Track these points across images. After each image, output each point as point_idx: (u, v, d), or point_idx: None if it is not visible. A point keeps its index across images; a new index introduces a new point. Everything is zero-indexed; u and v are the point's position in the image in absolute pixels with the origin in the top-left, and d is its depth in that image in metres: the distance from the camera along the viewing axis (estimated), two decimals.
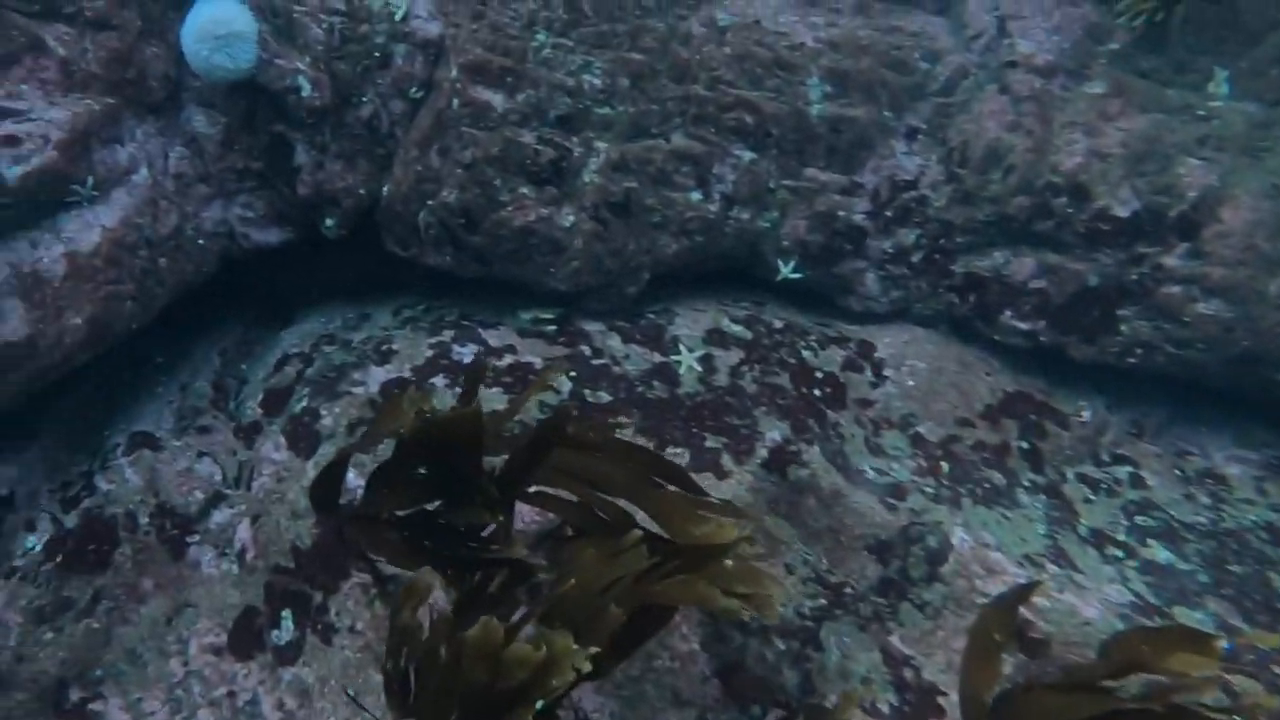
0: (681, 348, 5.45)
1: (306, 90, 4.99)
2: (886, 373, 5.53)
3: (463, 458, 3.45)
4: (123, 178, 4.81)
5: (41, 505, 4.84)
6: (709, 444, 4.66)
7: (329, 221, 5.33)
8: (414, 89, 5.23)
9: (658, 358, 5.39)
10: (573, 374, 5.13)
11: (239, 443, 5.16)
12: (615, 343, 5.46)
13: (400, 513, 3.89)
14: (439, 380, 4.98)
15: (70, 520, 4.71)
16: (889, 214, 5.93)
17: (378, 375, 5.04)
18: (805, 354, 5.65)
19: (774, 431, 4.79)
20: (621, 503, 3.69)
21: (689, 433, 4.84)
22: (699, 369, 5.34)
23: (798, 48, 5.76)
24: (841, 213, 5.83)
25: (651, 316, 5.73)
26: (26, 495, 4.86)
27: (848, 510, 4.58)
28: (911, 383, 5.19)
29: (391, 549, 3.75)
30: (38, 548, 4.64)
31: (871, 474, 4.82)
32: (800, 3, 6.02)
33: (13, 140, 4.36)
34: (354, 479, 4.28)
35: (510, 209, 5.19)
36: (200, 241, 5.16)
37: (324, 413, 4.60)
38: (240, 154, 5.19)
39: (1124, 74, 5.62)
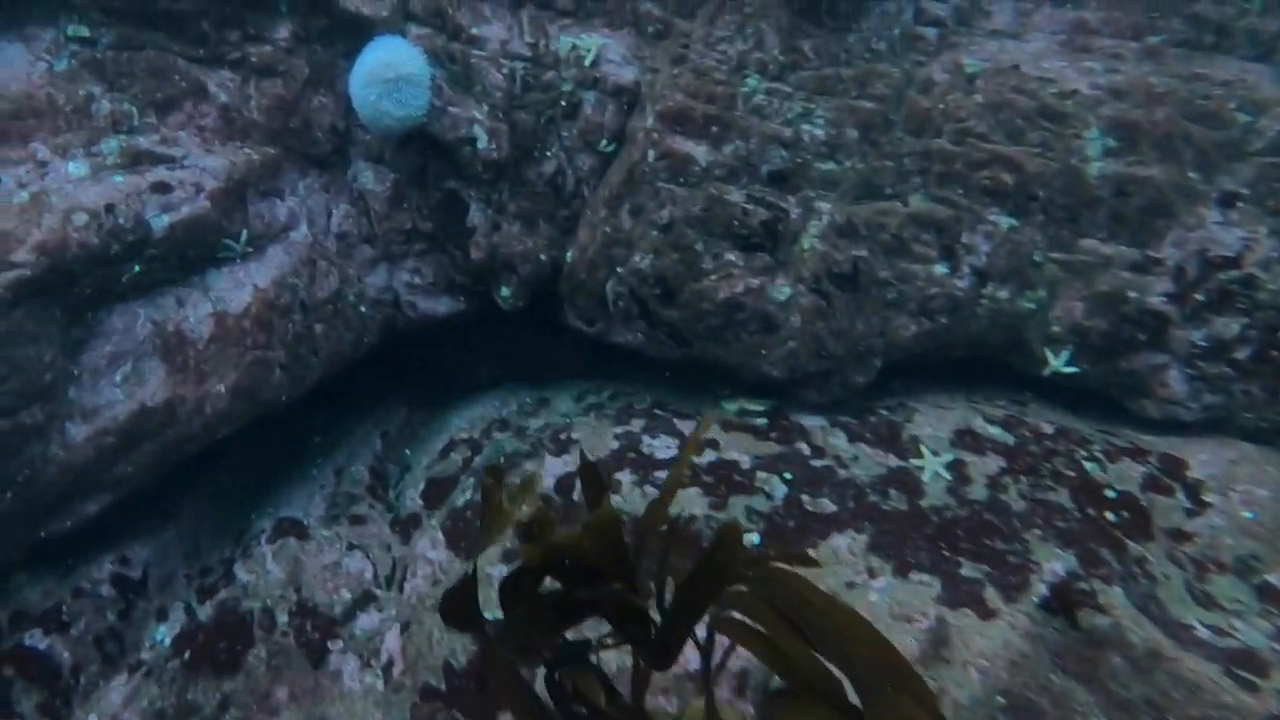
0: (924, 450, 4.36)
1: (483, 142, 4.37)
2: (1208, 498, 4.24)
3: (602, 580, 2.51)
4: (280, 234, 4.30)
5: (177, 592, 4.29)
6: (966, 572, 3.59)
7: (504, 290, 4.64)
8: (604, 141, 4.53)
9: (894, 461, 4.33)
10: (788, 475, 4.15)
11: (394, 536, 4.45)
12: (840, 441, 4.44)
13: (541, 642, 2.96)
14: (625, 476, 4.12)
15: (204, 611, 4.12)
16: (1200, 297, 4.67)
17: (554, 468, 4.24)
18: (1089, 467, 4.42)
19: (1055, 562, 3.69)
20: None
21: (937, 555, 3.74)
22: (948, 477, 4.23)
23: (1069, 95, 4.71)
24: (1132, 294, 4.62)
25: (885, 413, 4.68)
26: (161, 580, 4.31)
27: (1176, 680, 3.30)
28: (1249, 515, 3.95)
29: (522, 708, 2.79)
30: (167, 641, 4.08)
31: (1205, 632, 3.52)
32: (1068, 48, 4.98)
33: (163, 188, 3.90)
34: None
35: (714, 278, 4.33)
36: (362, 309, 4.57)
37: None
38: (409, 213, 4.61)
39: None
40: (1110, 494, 4.28)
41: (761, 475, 4.17)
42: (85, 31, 4.06)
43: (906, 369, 4.76)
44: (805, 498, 4.03)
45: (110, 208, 3.76)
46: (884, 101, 4.57)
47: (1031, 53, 4.89)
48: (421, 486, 4.54)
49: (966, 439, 4.49)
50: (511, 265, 4.58)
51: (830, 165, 4.47)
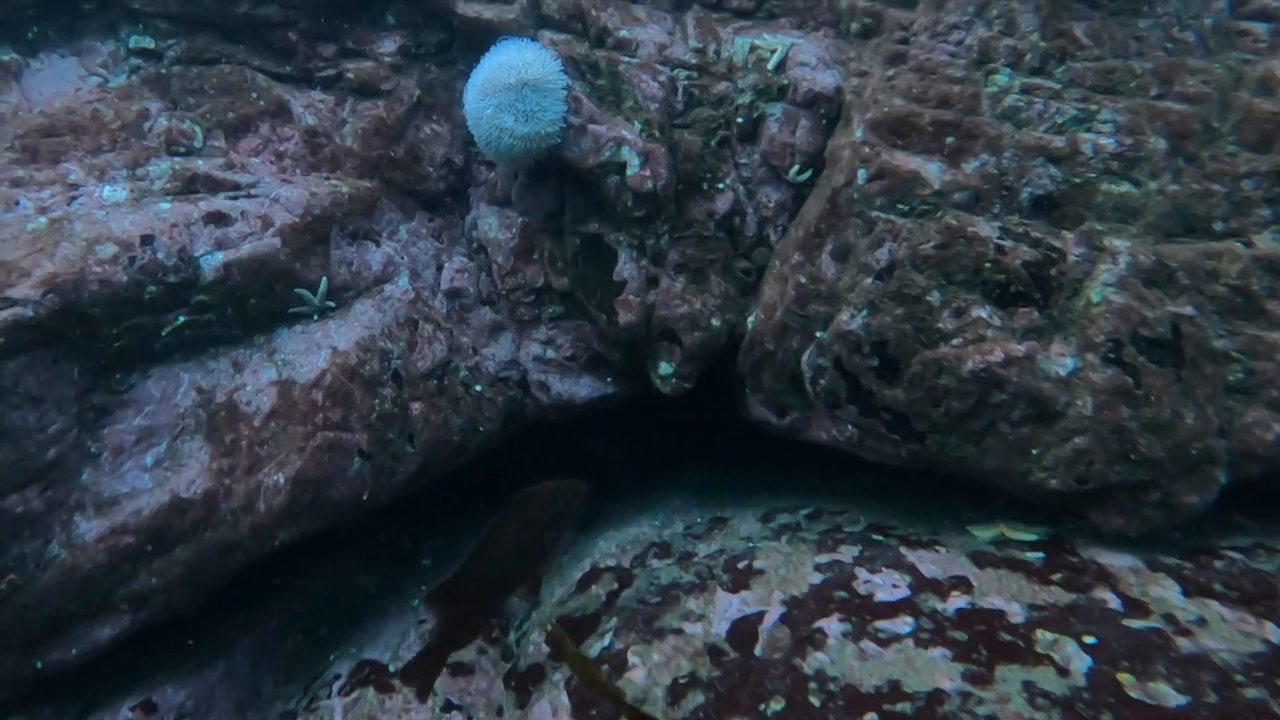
0: None
1: (634, 168, 3.31)
2: None
3: None
4: (372, 287, 3.35)
5: None
6: None
7: (664, 367, 3.47)
8: (795, 168, 3.38)
9: (1274, 633, 2.75)
10: (1090, 638, 2.67)
11: (508, 694, 3.25)
12: (1170, 593, 2.92)
13: None
14: (832, 625, 2.78)
15: None
16: None
17: (727, 607, 2.99)
18: None
19: None
20: None
21: None
22: None
23: None
24: None
25: (1236, 555, 3.11)
26: None
27: None
28: None
29: None
30: None
31: None
32: None
33: (221, 219, 3.04)
34: None
35: (956, 343, 3.01)
36: (477, 388, 3.51)
37: (634, 659, 2.64)
38: (540, 266, 3.57)
39: None
40: None
41: (1044, 636, 2.73)
42: (150, 43, 3.35)
43: (1261, 497, 3.18)
44: (1126, 679, 2.52)
45: (148, 239, 2.91)
46: (1202, 104, 3.19)
47: None
48: (551, 628, 3.31)
49: None
50: (673, 333, 3.42)
51: (1125, 187, 3.10)
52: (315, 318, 3.22)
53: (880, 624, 2.82)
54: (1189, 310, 2.98)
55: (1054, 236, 3.07)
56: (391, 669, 3.39)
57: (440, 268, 3.55)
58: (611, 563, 3.61)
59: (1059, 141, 3.10)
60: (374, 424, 3.18)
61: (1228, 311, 3.02)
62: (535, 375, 3.60)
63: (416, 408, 3.30)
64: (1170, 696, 2.49)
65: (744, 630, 2.93)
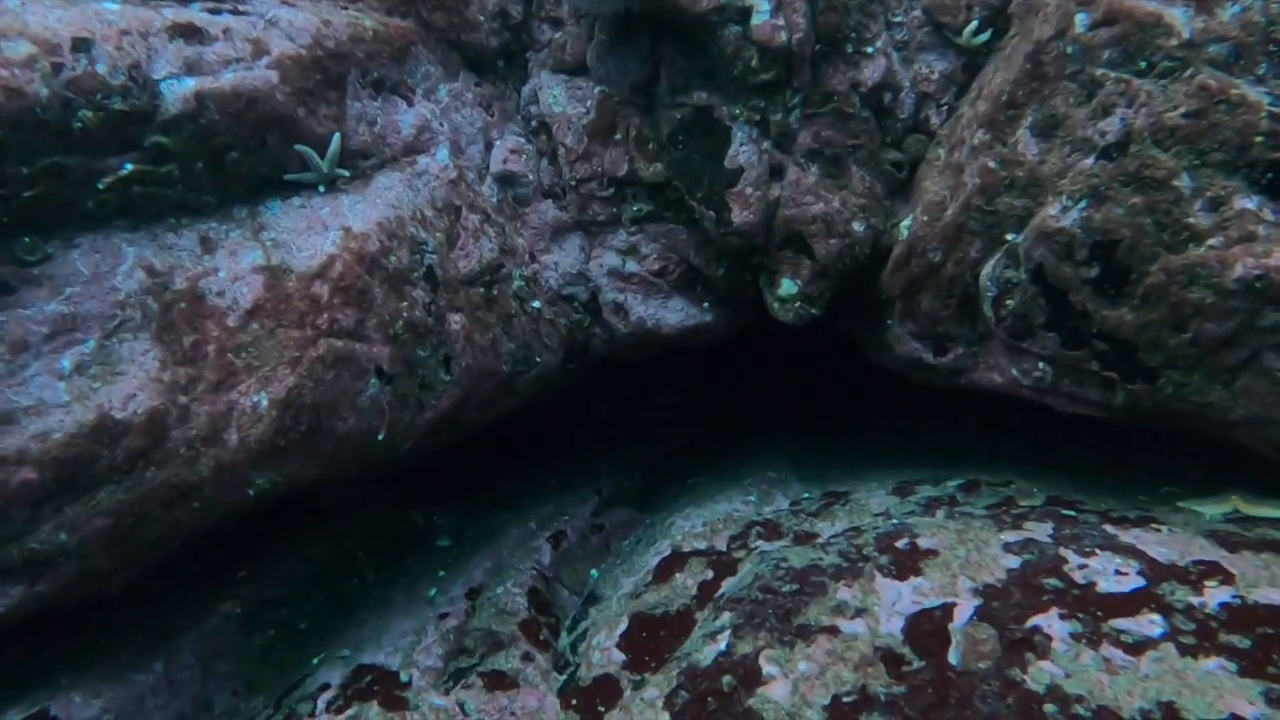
0: None
1: (763, 13, 2.45)
2: None
3: None
4: (401, 156, 2.47)
5: None
6: None
7: (786, 287, 2.60)
8: (971, 26, 2.56)
9: None
10: None
11: (566, 716, 2.32)
12: None
13: None
14: (1053, 623, 1.92)
15: None
16: None
17: (896, 598, 2.16)
18: None
19: None
20: None
21: None
22: None
23: None
24: None
25: None
26: None
27: None
28: None
29: None
30: None
31: None
32: None
33: (194, 34, 2.14)
34: None
35: (1215, 244, 2.18)
36: (535, 305, 2.63)
37: (771, 668, 1.90)
38: (622, 149, 2.70)
39: None
40: None
41: None
42: None
43: None
44: None
45: (84, 44, 1.99)
46: None
47: None
48: (622, 627, 2.40)
49: None
50: (802, 239, 2.56)
51: None
52: (321, 189, 2.32)
53: (1119, 623, 1.97)
54: None
55: None
56: (404, 677, 2.45)
57: (490, 145, 2.67)
58: (700, 545, 2.71)
59: None
60: (399, 335, 2.26)
61: None
62: (610, 294, 2.71)
63: (456, 321, 2.40)
64: None
65: (927, 629, 2.07)
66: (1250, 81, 2.28)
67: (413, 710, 2.34)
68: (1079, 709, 1.82)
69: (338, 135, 2.33)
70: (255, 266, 2.15)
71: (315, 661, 2.56)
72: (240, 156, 2.21)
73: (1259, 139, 2.21)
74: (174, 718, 2.35)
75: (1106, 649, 1.89)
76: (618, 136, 2.70)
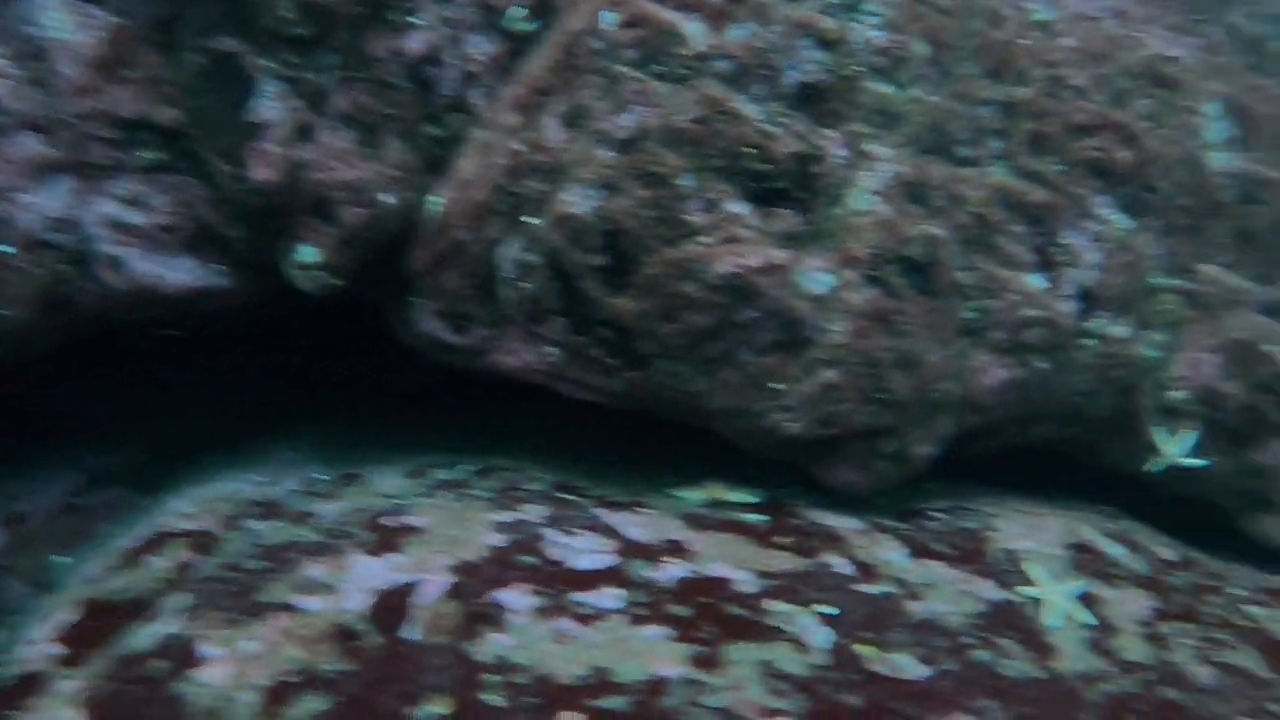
0: (1035, 572, 2.54)
1: None
2: None
3: None
4: None
5: None
6: None
7: (306, 253, 2.49)
8: (520, 12, 2.61)
9: (990, 590, 2.51)
10: (827, 608, 2.19)
11: None
12: (896, 555, 2.56)
13: None
14: (516, 598, 2.03)
15: None
16: None
17: (368, 575, 2.12)
18: (1257, 614, 2.79)
19: None
20: None
21: None
22: (1088, 619, 2.42)
23: (1170, 60, 3.29)
24: (1268, 348, 3.12)
25: (943, 515, 2.83)
26: None
27: None
28: None
29: None
30: None
31: None
32: (1143, 20, 3.59)
33: None
34: None
35: (707, 240, 2.41)
36: (4, 248, 2.28)
37: (210, 650, 1.78)
38: (133, 88, 2.42)
39: None
40: None
41: (776, 606, 2.20)
42: None
43: (961, 451, 2.95)
44: (868, 652, 2.08)
45: None
46: (954, 16, 2.92)
47: (1108, 7, 3.46)
48: (66, 618, 2.16)
49: (1086, 560, 2.74)
50: (327, 205, 2.46)
51: (888, 88, 2.72)
52: None
53: (581, 596, 2.13)
54: (943, 233, 2.65)
55: (816, 135, 2.60)
56: None
57: None
58: (189, 526, 2.52)
59: (828, 24, 2.63)
60: None
61: (968, 243, 2.73)
62: (105, 246, 2.42)
63: None
64: (911, 668, 2.10)
65: (392, 605, 2.08)
66: (747, 98, 2.55)
67: None
68: (519, 677, 1.89)
69: None
70: None
71: None
72: None
73: (751, 150, 2.47)
74: None
75: (562, 621, 2.01)
76: (131, 74, 2.42)
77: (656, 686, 1.90)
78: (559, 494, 2.57)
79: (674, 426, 2.68)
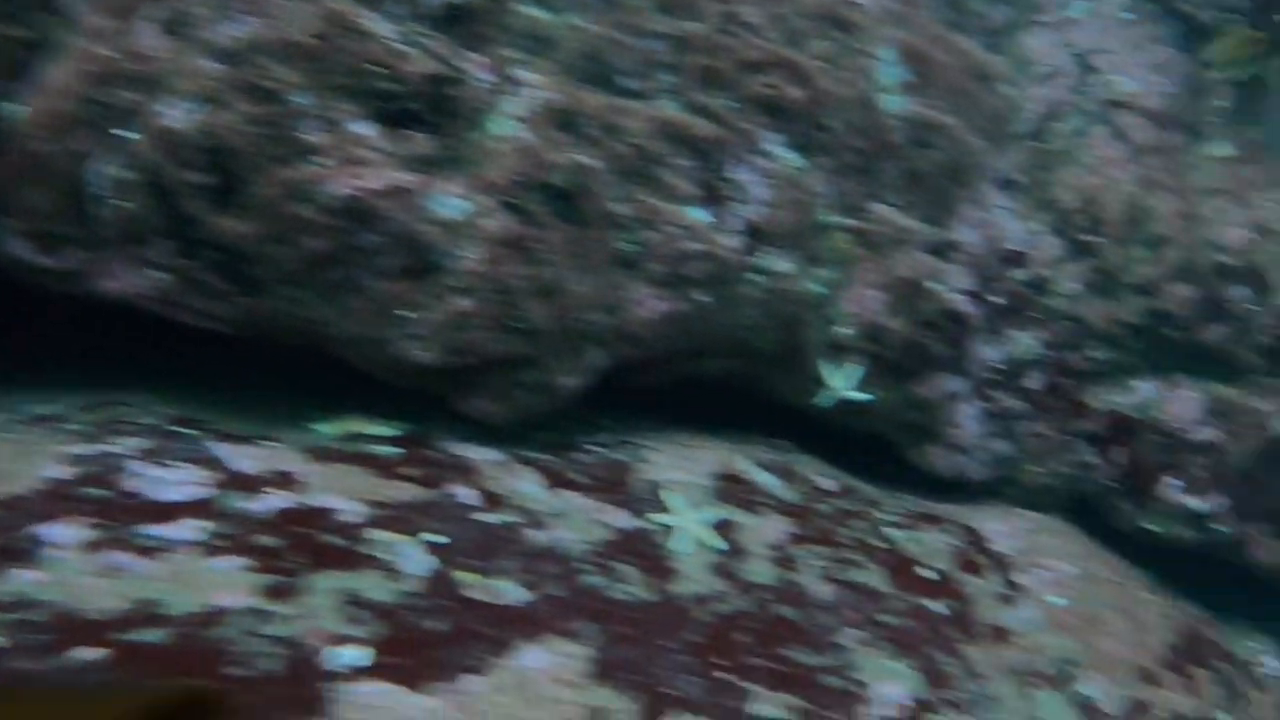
0: (672, 502, 2.57)
1: None
2: (1019, 579, 2.95)
3: None
4: None
5: None
6: (761, 710, 2.09)
7: None
8: None
9: (624, 520, 2.52)
10: (435, 536, 2.14)
11: None
12: (529, 486, 2.53)
13: None
14: (68, 531, 1.87)
15: None
16: (998, 299, 3.47)
17: None
18: (894, 536, 2.92)
19: (890, 684, 2.35)
20: None
21: (710, 680, 2.05)
22: (715, 546, 2.47)
23: (852, 4, 3.35)
24: (931, 285, 3.27)
25: (599, 449, 2.83)
26: None
27: None
28: (1061, 601, 3.08)
29: None
30: None
31: None
32: None
33: None
34: None
35: (325, 162, 2.27)
36: None
37: None
38: None
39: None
40: (928, 574, 2.81)
41: (379, 535, 2.14)
42: None
43: (629, 387, 2.95)
44: (467, 577, 2.05)
45: None
46: None
47: None
48: None
49: (733, 488, 2.80)
50: None
51: (541, 12, 2.64)
52: None
53: (151, 529, 1.98)
54: (592, 162, 2.60)
55: (458, 56, 2.49)
56: None
57: None
58: None
59: None
60: None
61: (626, 174, 2.70)
62: None
63: None
64: (510, 592, 2.09)
65: None
66: (381, 16, 2.40)
67: None
68: (35, 615, 1.67)
69: None
70: None
71: None
72: None
73: (380, 69, 2.33)
74: None
75: (115, 555, 1.86)
76: None
77: (211, 618, 1.79)
78: (174, 427, 2.38)
79: (325, 359, 2.55)
